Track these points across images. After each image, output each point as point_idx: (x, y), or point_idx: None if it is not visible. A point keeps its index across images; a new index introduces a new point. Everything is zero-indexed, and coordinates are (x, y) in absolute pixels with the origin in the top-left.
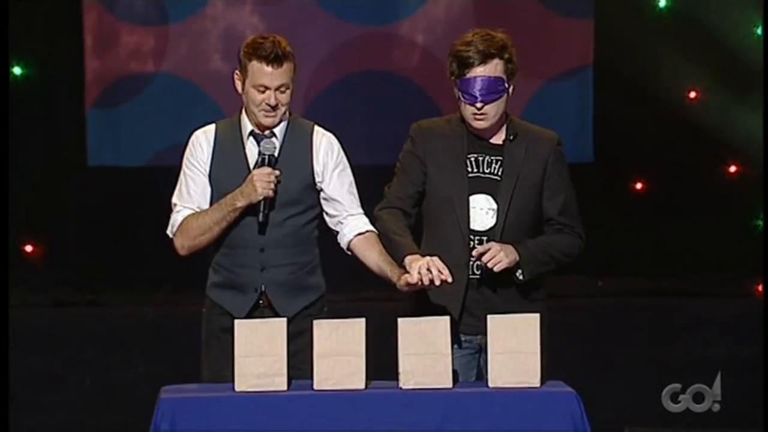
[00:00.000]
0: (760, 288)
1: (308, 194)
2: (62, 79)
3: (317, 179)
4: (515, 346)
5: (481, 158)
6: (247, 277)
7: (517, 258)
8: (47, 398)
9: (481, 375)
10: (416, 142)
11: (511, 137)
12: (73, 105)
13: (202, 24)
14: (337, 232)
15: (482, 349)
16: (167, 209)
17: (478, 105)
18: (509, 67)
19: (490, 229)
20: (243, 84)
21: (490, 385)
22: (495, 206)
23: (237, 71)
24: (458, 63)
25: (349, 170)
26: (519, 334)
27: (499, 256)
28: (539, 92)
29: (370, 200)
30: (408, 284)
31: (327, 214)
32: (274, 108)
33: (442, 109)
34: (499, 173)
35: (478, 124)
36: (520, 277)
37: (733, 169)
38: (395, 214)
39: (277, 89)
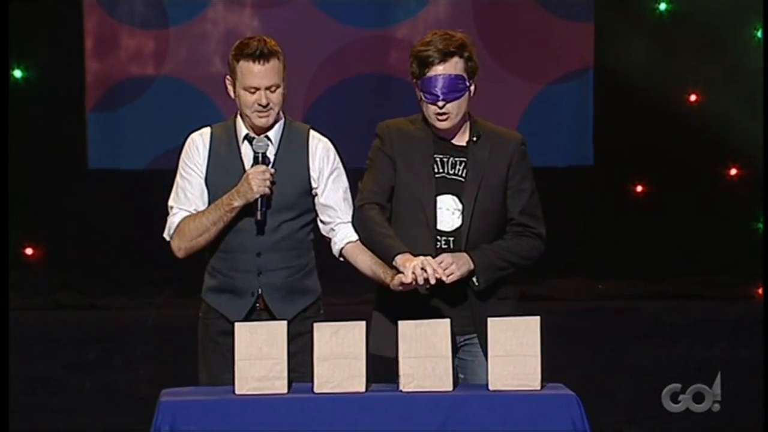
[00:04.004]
0: (761, 290)
1: (304, 199)
2: (62, 82)
3: (313, 185)
4: (515, 349)
5: (446, 159)
6: (244, 281)
7: (471, 267)
8: (47, 401)
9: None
10: (385, 141)
11: (475, 138)
12: (74, 108)
13: (203, 27)
14: (330, 239)
15: (455, 349)
16: (168, 212)
17: (440, 104)
18: (469, 65)
19: (457, 229)
20: (234, 88)
21: (491, 387)
22: (461, 207)
23: (228, 76)
24: (418, 63)
25: (344, 176)
26: (519, 337)
27: (450, 269)
28: (539, 95)
29: None
30: (402, 284)
31: (321, 221)
32: (266, 108)
33: None
34: (464, 174)
35: (441, 125)
36: (476, 284)
37: (733, 171)
38: (375, 210)
39: (267, 89)
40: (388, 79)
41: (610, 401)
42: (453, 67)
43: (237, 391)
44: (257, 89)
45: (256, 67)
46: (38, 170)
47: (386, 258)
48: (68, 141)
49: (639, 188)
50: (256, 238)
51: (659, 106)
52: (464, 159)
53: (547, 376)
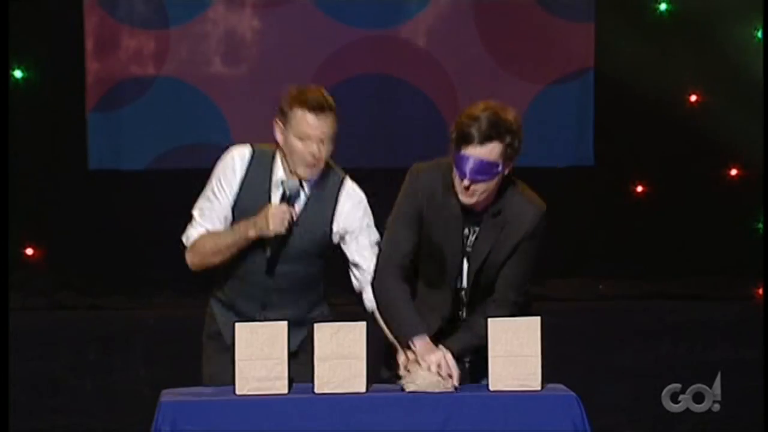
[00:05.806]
0: (761, 291)
1: (321, 249)
2: (63, 83)
3: (334, 239)
4: (516, 350)
5: (466, 226)
6: (248, 308)
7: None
8: (47, 401)
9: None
10: (417, 191)
11: (494, 214)
12: (74, 108)
13: (203, 27)
14: (360, 293)
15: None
16: (168, 212)
17: (466, 183)
18: (508, 151)
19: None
20: (284, 133)
21: (491, 388)
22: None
23: (277, 119)
24: (458, 135)
25: (373, 229)
26: (520, 337)
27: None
28: (540, 96)
29: (371, 203)
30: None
31: (353, 275)
32: (316, 159)
33: (442, 112)
34: (472, 246)
35: (465, 200)
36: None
37: (733, 172)
38: (393, 278)
39: (319, 140)
40: (389, 79)
41: (610, 401)
42: (489, 152)
43: (237, 392)
44: (309, 138)
45: (313, 118)
46: (38, 170)
47: (401, 336)
48: (68, 141)
49: (639, 188)
50: (265, 277)
51: (659, 106)
52: (477, 228)
53: (547, 376)
